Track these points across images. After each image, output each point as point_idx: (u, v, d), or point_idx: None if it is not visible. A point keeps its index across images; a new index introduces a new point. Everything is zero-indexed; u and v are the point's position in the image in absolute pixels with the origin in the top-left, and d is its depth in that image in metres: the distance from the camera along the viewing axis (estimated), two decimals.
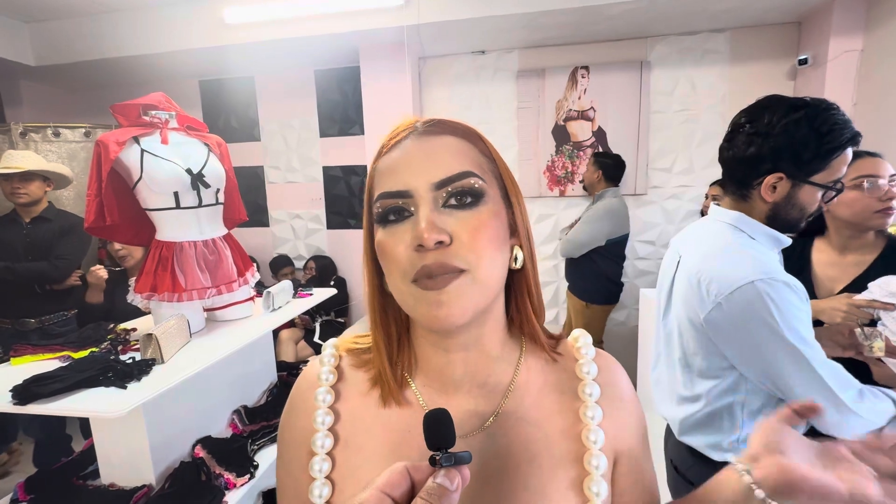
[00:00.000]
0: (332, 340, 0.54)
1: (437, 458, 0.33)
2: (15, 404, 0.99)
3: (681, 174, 3.10)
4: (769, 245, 1.00)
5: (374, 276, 0.48)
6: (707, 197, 2.67)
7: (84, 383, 1.07)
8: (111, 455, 1.25)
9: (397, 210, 0.42)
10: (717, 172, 1.16)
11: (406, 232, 0.41)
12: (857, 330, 1.02)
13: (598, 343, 2.57)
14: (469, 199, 0.42)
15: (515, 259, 0.47)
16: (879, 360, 1.02)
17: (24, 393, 1.00)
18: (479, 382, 0.48)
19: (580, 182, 2.72)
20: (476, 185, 0.42)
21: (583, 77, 3.09)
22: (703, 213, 2.68)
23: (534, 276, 0.49)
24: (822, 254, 1.21)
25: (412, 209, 0.42)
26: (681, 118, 3.05)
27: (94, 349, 1.28)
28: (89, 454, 1.32)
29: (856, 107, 2.55)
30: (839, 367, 0.91)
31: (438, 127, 0.45)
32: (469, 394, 0.48)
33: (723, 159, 1.03)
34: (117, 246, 2.32)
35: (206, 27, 2.84)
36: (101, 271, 2.26)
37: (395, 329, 0.50)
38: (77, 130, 2.91)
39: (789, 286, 0.89)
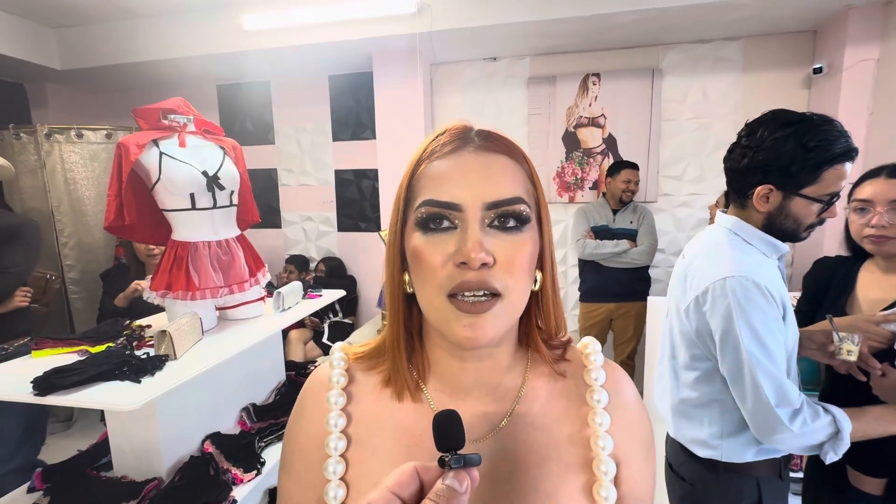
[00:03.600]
0: (338, 344, 0.55)
1: (447, 459, 0.33)
2: (35, 395, 1.03)
3: (692, 182, 3.09)
4: (766, 250, 1.01)
5: (397, 274, 0.47)
6: (710, 210, 2.67)
7: (100, 377, 1.10)
8: (124, 447, 1.28)
9: (440, 218, 0.42)
10: None
11: (446, 243, 0.41)
12: (834, 333, 1.02)
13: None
14: (512, 224, 0.42)
15: (535, 281, 0.47)
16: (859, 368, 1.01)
17: (44, 384, 1.04)
18: (489, 388, 0.49)
19: (625, 193, 2.74)
20: (524, 213, 0.43)
21: (594, 84, 3.10)
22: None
23: (553, 296, 0.49)
24: (869, 274, 1.17)
25: (457, 223, 0.42)
26: (692, 126, 3.03)
27: (110, 344, 1.32)
28: (103, 446, 1.36)
29: (872, 116, 2.52)
30: (786, 382, 0.91)
31: (496, 144, 0.45)
32: (479, 399, 0.49)
33: (724, 168, 1.07)
34: (153, 248, 2.35)
35: (225, 33, 2.91)
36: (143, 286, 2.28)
37: (412, 329, 0.50)
38: (99, 132, 3.00)
39: (759, 287, 0.91)
